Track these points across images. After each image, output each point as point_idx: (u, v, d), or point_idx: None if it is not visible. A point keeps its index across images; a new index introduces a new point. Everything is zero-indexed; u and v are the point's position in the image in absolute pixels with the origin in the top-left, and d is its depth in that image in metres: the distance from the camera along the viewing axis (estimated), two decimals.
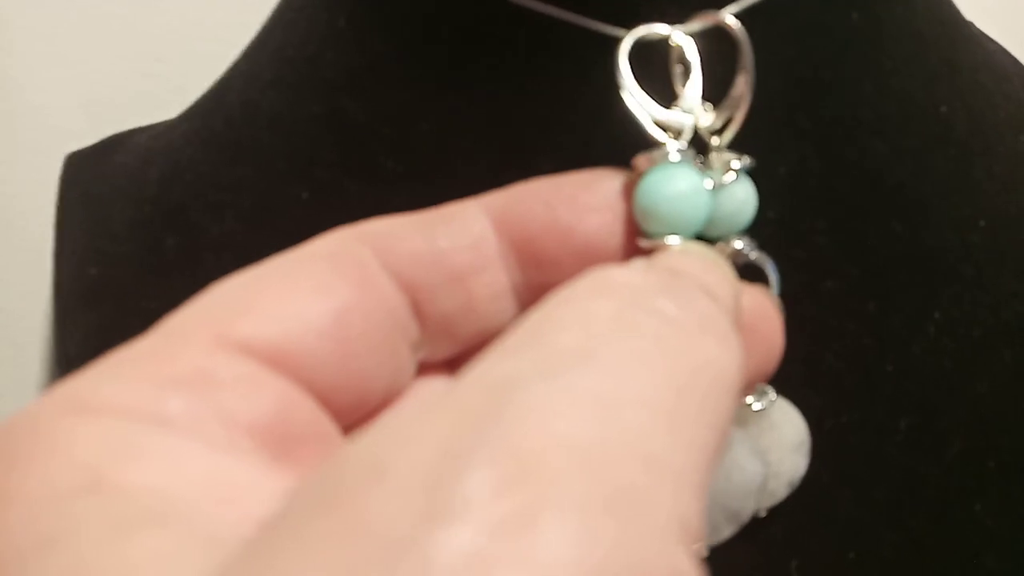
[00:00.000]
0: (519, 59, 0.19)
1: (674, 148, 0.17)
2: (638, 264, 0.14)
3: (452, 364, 0.17)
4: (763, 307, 0.17)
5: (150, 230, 0.22)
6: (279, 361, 0.13)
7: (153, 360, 0.12)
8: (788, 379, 0.21)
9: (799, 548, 0.21)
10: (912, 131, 0.21)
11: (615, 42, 0.17)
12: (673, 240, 0.16)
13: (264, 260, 0.14)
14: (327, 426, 0.14)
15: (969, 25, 0.24)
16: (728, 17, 0.17)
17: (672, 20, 0.17)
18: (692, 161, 0.17)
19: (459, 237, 0.16)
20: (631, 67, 0.17)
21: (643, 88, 0.17)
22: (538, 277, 0.16)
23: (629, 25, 0.17)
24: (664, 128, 0.17)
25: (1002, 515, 0.22)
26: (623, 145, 0.17)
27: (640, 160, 0.17)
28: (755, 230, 0.20)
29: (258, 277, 0.14)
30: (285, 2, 0.22)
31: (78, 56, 0.37)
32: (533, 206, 0.16)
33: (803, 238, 0.20)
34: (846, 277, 0.21)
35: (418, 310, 0.15)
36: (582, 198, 0.16)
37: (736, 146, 0.20)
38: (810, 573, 0.22)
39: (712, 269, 0.15)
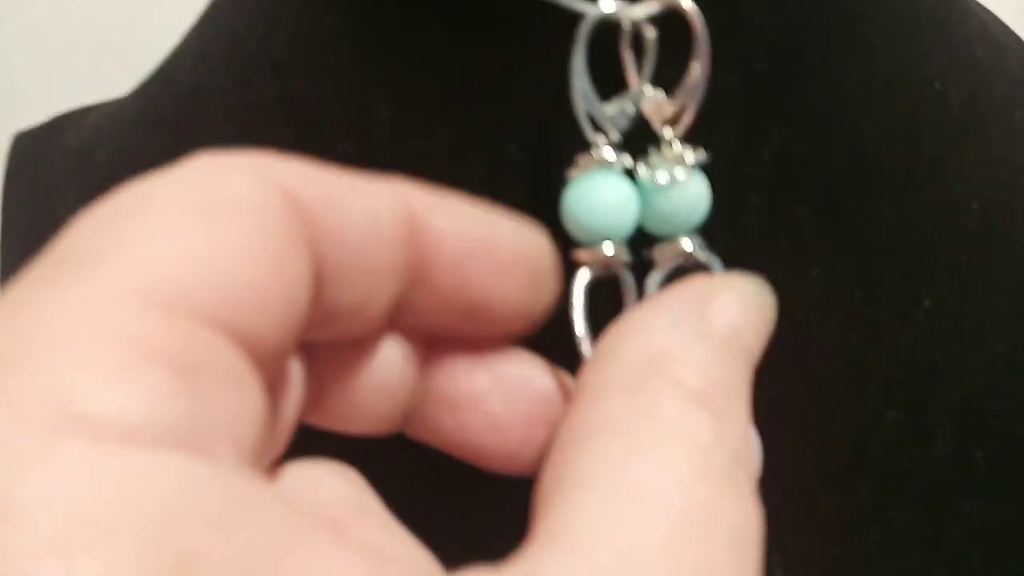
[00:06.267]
0: (479, 35, 0.17)
1: (606, 152, 0.16)
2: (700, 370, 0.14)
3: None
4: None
5: None
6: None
7: (124, 338, 0.10)
8: (771, 374, 0.20)
9: (781, 545, 0.21)
10: (903, 112, 0.20)
11: (580, 19, 0.16)
12: (608, 249, 0.16)
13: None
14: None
15: None
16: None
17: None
18: (623, 164, 0.16)
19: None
20: (595, 49, 0.16)
21: (607, 72, 0.16)
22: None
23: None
24: (600, 125, 0.16)
25: (990, 511, 0.21)
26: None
27: (579, 159, 0.16)
28: (737, 218, 0.19)
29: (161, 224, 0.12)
30: None
31: None
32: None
33: (788, 225, 0.19)
34: (832, 265, 0.20)
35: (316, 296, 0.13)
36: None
37: (715, 131, 0.18)
38: (792, 570, 0.21)
39: (759, 320, 0.15)
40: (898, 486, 0.21)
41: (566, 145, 0.16)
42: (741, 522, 0.12)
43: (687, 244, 0.16)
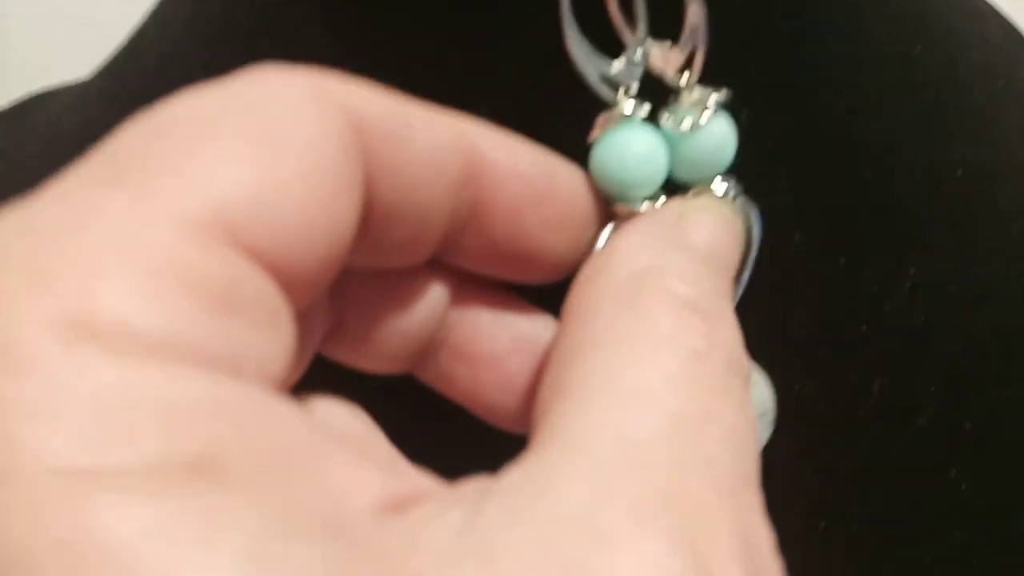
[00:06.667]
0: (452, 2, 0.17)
1: (626, 106, 0.16)
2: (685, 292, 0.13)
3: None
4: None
5: None
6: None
7: (141, 253, 0.10)
8: (752, 342, 0.20)
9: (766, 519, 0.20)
10: (881, 79, 0.20)
11: None
12: (644, 206, 0.16)
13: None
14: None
15: None
16: None
17: None
18: (642, 118, 0.16)
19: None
20: (580, 16, 0.15)
21: (602, 32, 0.15)
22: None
23: None
24: (615, 81, 0.16)
25: (976, 481, 0.21)
26: (571, 94, 0.16)
27: (599, 119, 0.16)
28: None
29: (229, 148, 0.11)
30: None
31: None
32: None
33: (767, 191, 0.19)
34: (815, 232, 0.19)
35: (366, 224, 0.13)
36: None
37: None
38: (777, 544, 0.21)
39: (734, 239, 0.15)
40: (883, 457, 0.20)
41: (539, 104, 0.16)
42: (736, 422, 0.12)
43: (720, 187, 0.16)
